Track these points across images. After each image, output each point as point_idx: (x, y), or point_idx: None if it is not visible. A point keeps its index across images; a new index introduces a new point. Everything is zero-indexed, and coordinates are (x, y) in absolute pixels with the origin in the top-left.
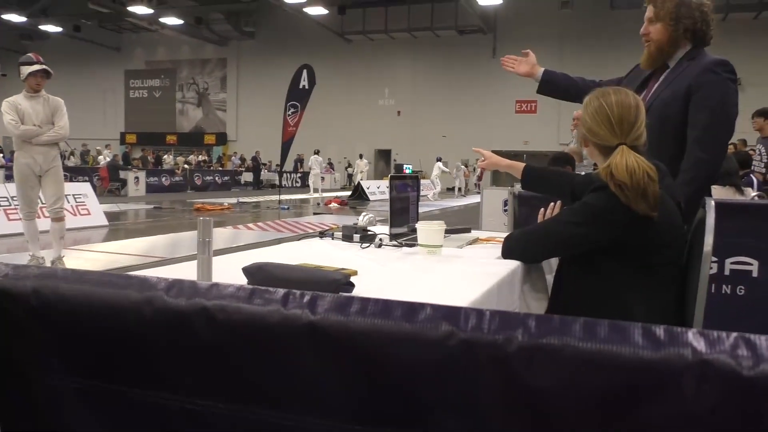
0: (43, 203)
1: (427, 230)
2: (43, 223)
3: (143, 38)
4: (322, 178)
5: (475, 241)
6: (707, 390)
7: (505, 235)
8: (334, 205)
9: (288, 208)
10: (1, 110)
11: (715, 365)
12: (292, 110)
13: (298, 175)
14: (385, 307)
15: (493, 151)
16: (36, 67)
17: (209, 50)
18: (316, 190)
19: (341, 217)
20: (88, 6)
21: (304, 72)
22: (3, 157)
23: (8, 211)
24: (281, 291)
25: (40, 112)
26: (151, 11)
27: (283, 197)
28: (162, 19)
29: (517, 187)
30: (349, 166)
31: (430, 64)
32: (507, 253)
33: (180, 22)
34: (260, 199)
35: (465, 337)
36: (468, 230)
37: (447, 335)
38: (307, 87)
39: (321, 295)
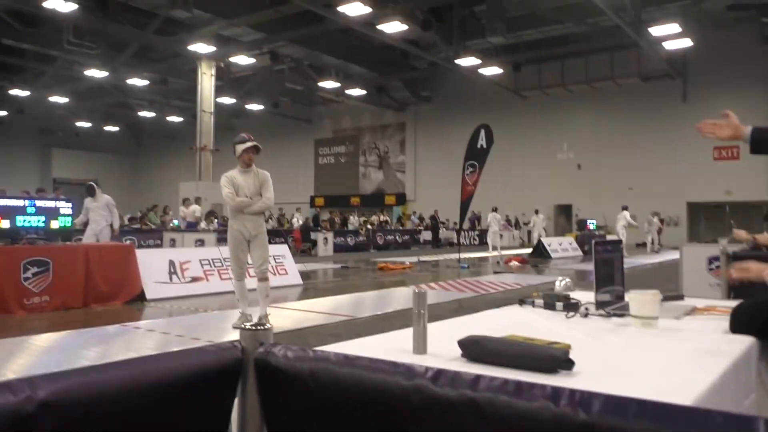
0: (250, 264)
1: (641, 300)
2: (250, 283)
3: (330, 109)
4: (501, 236)
5: (693, 310)
6: None
7: (730, 304)
8: (514, 263)
9: (468, 267)
10: (221, 184)
11: None
12: (470, 169)
13: (476, 233)
14: (668, 412)
15: (689, 204)
16: (248, 144)
17: (389, 116)
18: (494, 248)
19: (523, 276)
20: (285, 85)
21: (482, 131)
22: (217, 223)
23: (221, 271)
24: (549, 387)
25: (251, 184)
26: (338, 84)
27: (462, 255)
28: (347, 91)
29: (729, 245)
30: (527, 223)
31: (612, 114)
32: (737, 326)
33: (363, 92)
34: (439, 257)
35: None
36: (681, 297)
37: None
38: (485, 146)
39: (594, 394)
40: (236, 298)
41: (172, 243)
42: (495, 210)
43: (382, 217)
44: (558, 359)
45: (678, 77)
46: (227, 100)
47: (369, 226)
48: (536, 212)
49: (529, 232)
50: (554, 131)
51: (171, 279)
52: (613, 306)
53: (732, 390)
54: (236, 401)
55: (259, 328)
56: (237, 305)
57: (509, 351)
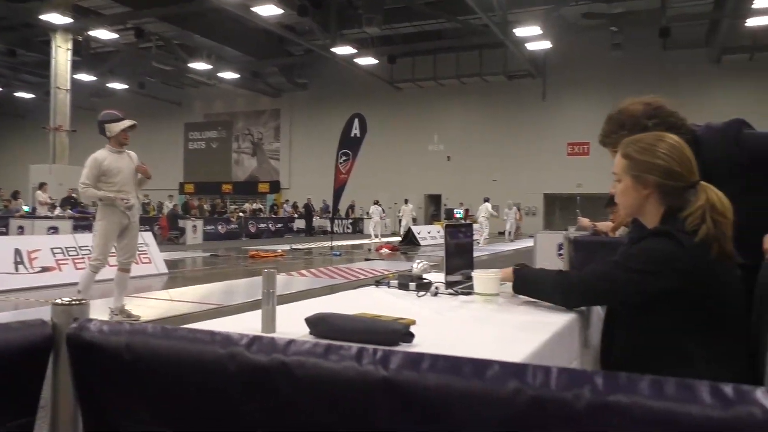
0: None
1: (483, 279)
2: (107, 272)
3: (202, 92)
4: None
5: None
6: None
7: None
8: (385, 250)
9: (340, 254)
10: (86, 165)
11: None
12: (344, 158)
13: (350, 221)
14: (455, 363)
15: (546, 195)
16: (128, 122)
17: (264, 102)
18: (376, 236)
19: (393, 263)
20: (152, 64)
21: (356, 120)
22: (75, 210)
23: (76, 261)
24: (355, 347)
25: (126, 166)
26: (210, 67)
27: (335, 243)
28: (220, 74)
29: (572, 231)
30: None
31: (480, 109)
32: (540, 294)
33: (237, 76)
34: (312, 245)
35: (533, 394)
36: None
37: (515, 392)
38: (359, 135)
39: (393, 351)
40: (80, 288)
41: (20, 231)
42: (376, 202)
43: (254, 205)
44: (399, 332)
45: (538, 76)
46: (86, 77)
47: (241, 214)
48: (406, 201)
49: (399, 220)
50: (426, 123)
51: (17, 269)
52: (461, 285)
53: (555, 355)
54: (48, 382)
55: (73, 302)
56: (91, 295)
57: (354, 326)
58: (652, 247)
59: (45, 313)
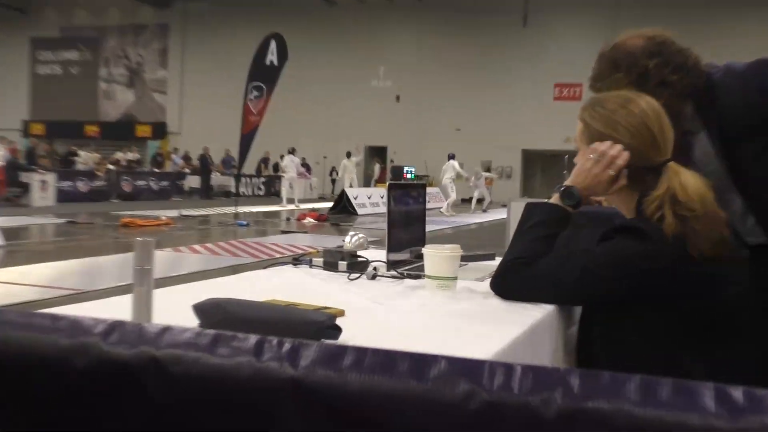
0: None
1: (437, 257)
2: None
3: None
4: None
5: None
6: None
7: None
8: (309, 220)
9: (248, 225)
10: None
11: None
12: (255, 93)
13: (262, 179)
14: (388, 359)
15: (524, 151)
16: None
17: (145, 14)
18: (290, 201)
19: (319, 237)
20: None
21: (272, 43)
22: None
23: None
24: (253, 337)
25: None
26: None
27: (242, 210)
28: None
29: (556, 198)
30: (333, 171)
31: (441, 35)
32: (497, 287)
33: None
34: (211, 211)
35: (490, 399)
36: (491, 256)
37: (467, 396)
38: (276, 63)
39: (305, 343)
40: None
41: None
42: (292, 152)
43: (130, 155)
44: (321, 325)
45: None
46: None
47: (111, 167)
48: (348, 155)
49: (334, 181)
50: (370, 52)
51: None
52: (407, 266)
53: (526, 358)
54: None
55: None
56: None
57: (260, 316)
58: (618, 247)
59: None
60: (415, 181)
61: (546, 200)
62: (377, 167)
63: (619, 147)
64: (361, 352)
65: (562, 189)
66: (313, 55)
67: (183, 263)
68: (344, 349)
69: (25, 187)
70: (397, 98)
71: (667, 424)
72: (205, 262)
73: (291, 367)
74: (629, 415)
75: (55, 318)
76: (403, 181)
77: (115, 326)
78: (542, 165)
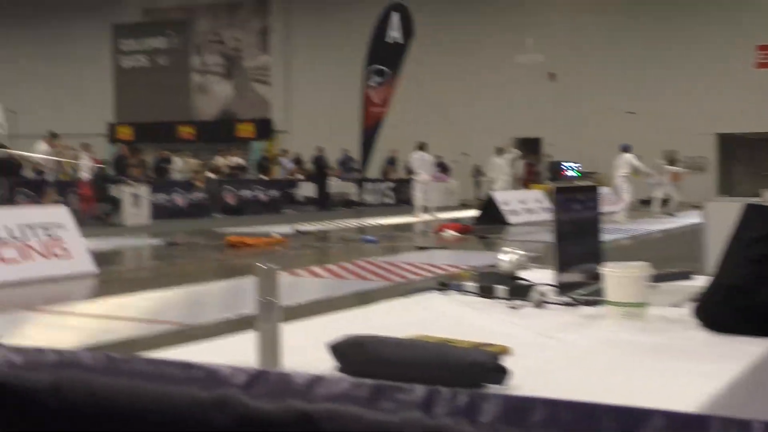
0: None
1: (621, 278)
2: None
3: None
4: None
5: None
6: None
7: None
8: (450, 233)
9: (376, 241)
10: None
11: None
12: (377, 79)
13: (390, 184)
14: (589, 415)
15: (720, 136)
16: None
17: None
18: (425, 209)
19: (465, 254)
20: None
21: (395, 17)
22: None
23: None
24: (420, 388)
25: None
26: None
27: (367, 222)
28: None
29: None
30: (479, 173)
31: None
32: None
33: None
34: (330, 225)
35: None
36: (687, 275)
37: None
38: (400, 41)
39: (483, 396)
40: None
41: None
42: (422, 147)
43: (233, 160)
44: (484, 367)
45: None
46: None
47: (211, 175)
48: (499, 151)
49: (478, 183)
50: (514, 21)
51: None
52: (582, 290)
53: (750, 405)
54: None
55: None
56: None
57: (410, 357)
58: None
59: None
60: (583, 183)
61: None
62: (520, 162)
63: None
64: (554, 405)
65: None
66: (444, 29)
67: (302, 289)
68: (533, 402)
69: (116, 203)
70: (552, 76)
71: None
72: (328, 287)
73: (469, 423)
74: None
75: (187, 366)
76: (568, 184)
77: (259, 376)
78: (745, 152)
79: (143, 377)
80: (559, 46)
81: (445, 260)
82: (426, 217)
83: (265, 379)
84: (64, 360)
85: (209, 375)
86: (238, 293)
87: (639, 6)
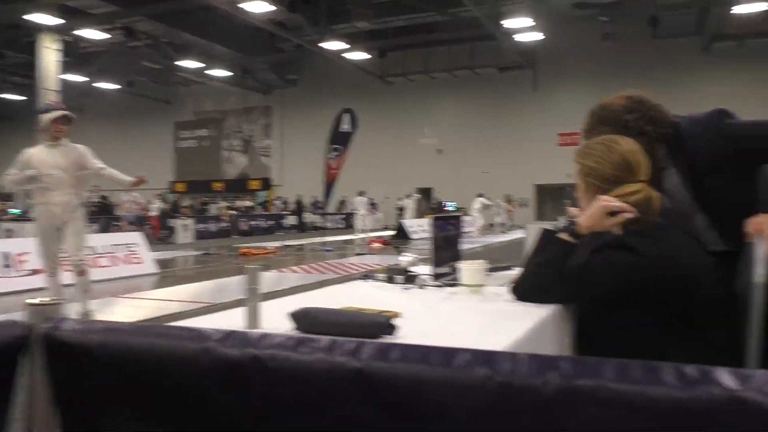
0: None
1: (469, 269)
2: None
3: (192, 91)
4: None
5: None
6: (743, 428)
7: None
8: (376, 245)
9: (332, 250)
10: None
11: (749, 403)
12: (334, 153)
13: (341, 216)
14: (424, 352)
15: (537, 185)
16: (57, 113)
17: (254, 99)
18: (363, 231)
19: (384, 257)
20: (141, 63)
21: (346, 116)
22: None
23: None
24: (326, 339)
25: (61, 161)
26: (200, 64)
27: (327, 239)
28: (209, 72)
29: (563, 220)
30: (401, 210)
31: (471, 101)
32: (515, 293)
33: (227, 73)
34: (304, 241)
35: (502, 381)
36: (510, 267)
37: (484, 379)
38: (349, 130)
39: (364, 342)
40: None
41: (8, 233)
42: (362, 194)
43: (246, 203)
44: (381, 324)
45: (529, 68)
46: (75, 78)
47: (232, 212)
48: (408, 196)
49: (400, 212)
50: (418, 117)
51: (6, 272)
52: (447, 277)
53: (539, 346)
54: (23, 383)
55: (46, 302)
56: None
57: (337, 320)
58: (609, 260)
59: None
60: (452, 213)
61: (556, 232)
62: (421, 202)
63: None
64: (405, 348)
65: (569, 228)
66: (376, 122)
67: (284, 281)
68: (392, 345)
69: (172, 230)
70: (439, 151)
71: (637, 395)
72: (301, 278)
73: (355, 360)
74: (607, 389)
75: (184, 329)
76: (443, 214)
77: (229, 334)
78: (551, 195)
79: (158, 336)
80: (445, 134)
81: (373, 261)
82: (362, 235)
83: (233, 336)
84: (108, 327)
85: (198, 334)
86: (245, 284)
87: (489, 109)
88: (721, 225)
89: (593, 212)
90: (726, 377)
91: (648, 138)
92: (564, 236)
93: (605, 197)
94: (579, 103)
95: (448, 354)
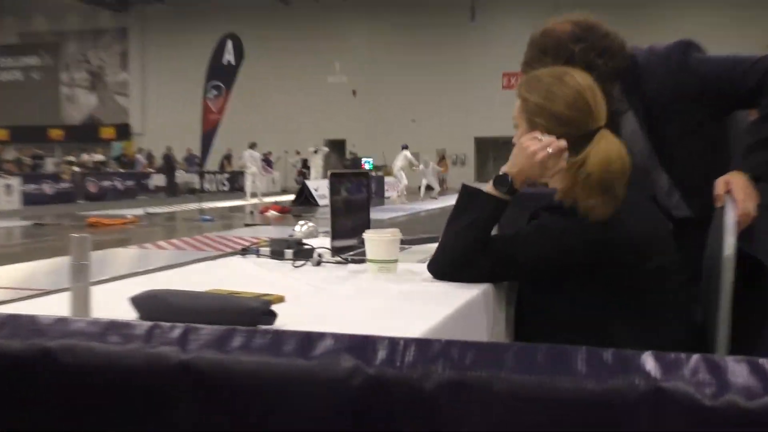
0: None
1: (377, 241)
2: None
3: (16, 4)
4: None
5: None
6: (665, 424)
7: None
8: (272, 213)
9: (212, 220)
10: None
11: (673, 394)
12: (214, 92)
13: (226, 176)
14: (276, 339)
15: (477, 139)
16: None
17: (104, 18)
18: (254, 195)
19: (281, 229)
20: None
21: (229, 43)
22: None
23: None
24: (145, 324)
25: None
26: None
27: (207, 205)
28: None
29: (490, 186)
30: (304, 165)
31: (393, 31)
32: (432, 270)
33: None
34: (176, 208)
35: (373, 374)
36: (435, 239)
37: (351, 372)
38: (233, 62)
39: (194, 328)
40: None
41: None
42: (252, 146)
43: (95, 157)
44: (256, 311)
45: None
46: None
47: (76, 169)
48: (315, 151)
49: (303, 174)
50: (325, 48)
51: None
52: (353, 252)
53: (458, 334)
54: None
55: None
56: None
57: (195, 305)
58: (544, 225)
59: None
60: (361, 170)
61: (481, 188)
62: (331, 157)
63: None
64: (250, 333)
65: (495, 177)
66: (269, 54)
67: (148, 260)
68: (232, 332)
69: None
70: (354, 93)
71: (540, 387)
72: (170, 257)
73: (181, 351)
74: (507, 381)
75: None
76: (344, 170)
77: (8, 319)
78: (494, 151)
79: None
80: (359, 71)
81: (266, 233)
82: (254, 201)
83: (15, 322)
84: None
85: None
86: (99, 264)
87: (416, 42)
88: (684, 185)
89: (517, 153)
90: (651, 364)
91: (599, 73)
92: (491, 189)
93: (530, 133)
94: (527, 34)
95: (305, 340)
